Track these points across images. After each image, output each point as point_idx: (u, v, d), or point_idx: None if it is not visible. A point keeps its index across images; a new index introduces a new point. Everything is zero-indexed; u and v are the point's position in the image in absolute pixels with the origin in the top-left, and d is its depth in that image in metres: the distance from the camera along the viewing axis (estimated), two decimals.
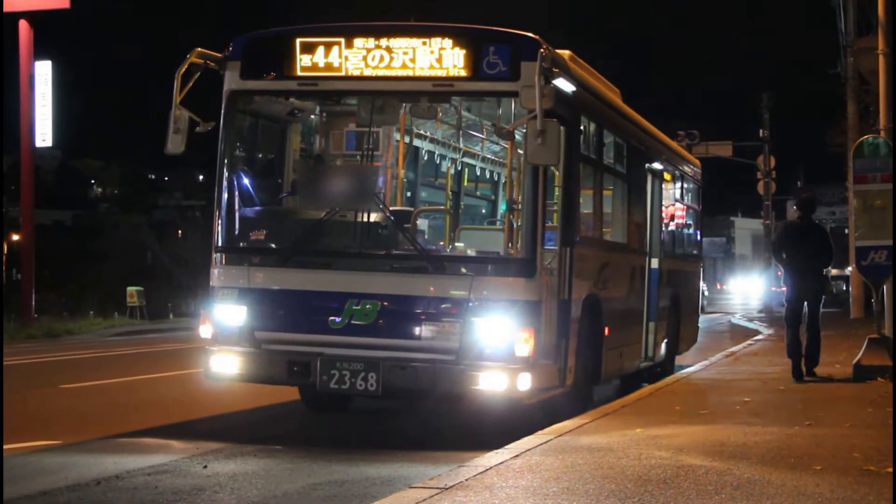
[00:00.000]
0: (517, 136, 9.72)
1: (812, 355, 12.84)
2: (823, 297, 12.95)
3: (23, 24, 28.53)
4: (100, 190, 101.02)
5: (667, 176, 14.67)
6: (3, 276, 30.24)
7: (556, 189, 9.65)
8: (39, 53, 29.68)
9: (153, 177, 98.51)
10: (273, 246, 9.60)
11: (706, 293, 50.36)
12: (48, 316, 29.90)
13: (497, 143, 12.52)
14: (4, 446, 8.35)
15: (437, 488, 6.27)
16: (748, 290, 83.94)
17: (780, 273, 13.32)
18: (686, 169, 16.46)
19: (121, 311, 34.99)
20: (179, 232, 52.42)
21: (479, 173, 13.26)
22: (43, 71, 29.82)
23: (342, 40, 9.08)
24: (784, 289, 13.29)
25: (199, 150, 9.82)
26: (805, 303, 12.72)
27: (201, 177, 79.06)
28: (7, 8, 27.30)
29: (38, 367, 17.78)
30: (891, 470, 6.78)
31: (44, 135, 29.92)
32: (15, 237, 39.91)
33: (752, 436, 8.37)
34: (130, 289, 35.40)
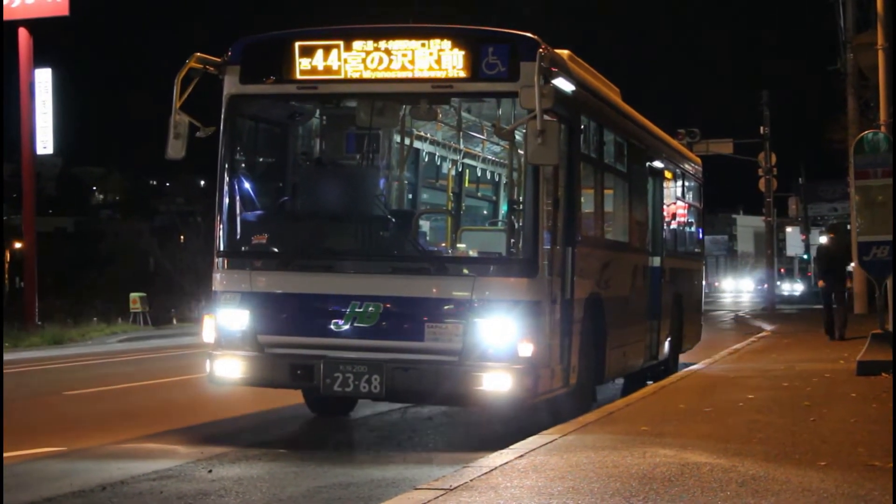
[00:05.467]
0: (517, 137, 9.72)
1: (842, 325, 18.93)
2: (844, 289, 19.94)
3: (22, 32, 28.51)
4: (101, 196, 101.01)
5: (668, 174, 14.67)
6: (3, 283, 30.22)
7: (558, 189, 9.65)
8: (39, 61, 29.66)
9: (154, 183, 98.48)
10: (275, 249, 9.60)
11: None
12: (51, 323, 29.82)
13: (497, 144, 12.50)
14: (10, 454, 8.38)
15: (443, 489, 6.28)
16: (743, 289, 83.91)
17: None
18: (687, 167, 16.47)
19: (124, 317, 34.94)
20: (181, 237, 52.33)
21: (479, 174, 13.25)
22: (43, 78, 29.77)
23: (341, 43, 9.07)
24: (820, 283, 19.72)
25: (199, 155, 9.82)
26: (833, 293, 19.00)
27: (202, 182, 79.05)
28: (6, 16, 27.28)
29: (43, 374, 17.78)
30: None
31: (44, 142, 29.87)
32: (17, 245, 39.91)
33: (757, 432, 8.37)
34: (133, 295, 35.35)
